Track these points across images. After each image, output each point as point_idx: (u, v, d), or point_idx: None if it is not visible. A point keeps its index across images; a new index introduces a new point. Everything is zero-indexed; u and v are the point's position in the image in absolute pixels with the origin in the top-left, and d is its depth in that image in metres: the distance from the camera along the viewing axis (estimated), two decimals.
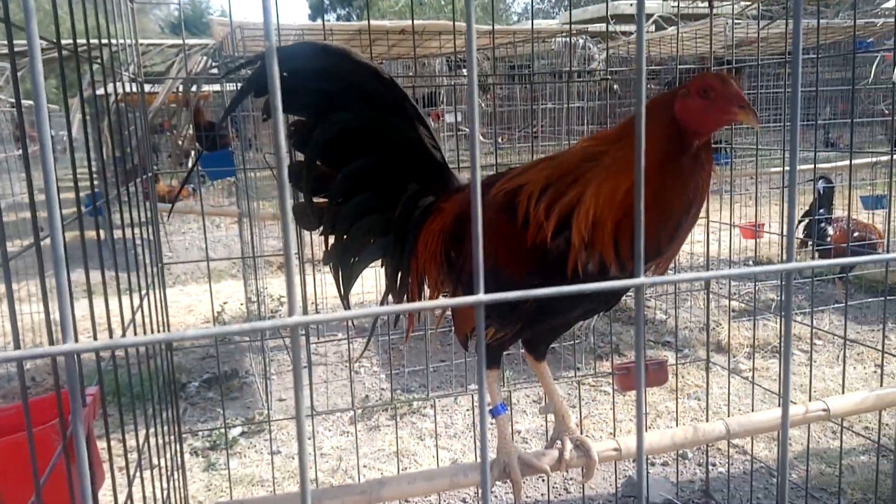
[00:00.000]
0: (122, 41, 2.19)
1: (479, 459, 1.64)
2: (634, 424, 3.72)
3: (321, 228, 1.72)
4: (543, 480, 3.15)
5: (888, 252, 5.73)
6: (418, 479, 1.49)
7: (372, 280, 2.63)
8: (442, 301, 0.62)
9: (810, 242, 5.51)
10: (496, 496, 3.12)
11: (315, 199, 1.70)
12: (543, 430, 3.57)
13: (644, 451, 0.64)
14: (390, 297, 1.75)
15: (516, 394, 4.02)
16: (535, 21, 3.52)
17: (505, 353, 1.70)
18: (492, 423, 1.57)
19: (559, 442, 1.61)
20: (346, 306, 1.79)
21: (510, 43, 4.61)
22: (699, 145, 1.31)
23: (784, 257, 0.71)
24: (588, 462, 1.57)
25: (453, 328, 1.67)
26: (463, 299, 0.63)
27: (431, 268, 1.63)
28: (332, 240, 1.73)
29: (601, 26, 7.70)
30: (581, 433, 1.65)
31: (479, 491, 3.12)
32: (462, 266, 1.53)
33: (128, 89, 2.32)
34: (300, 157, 1.69)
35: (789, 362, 0.71)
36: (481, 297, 0.63)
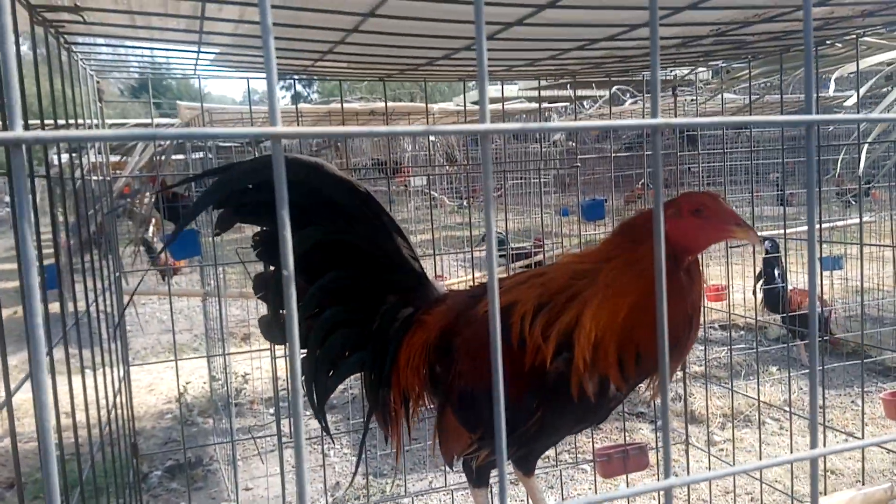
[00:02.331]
0: (87, 121, 2.15)
1: None
2: None
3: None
4: None
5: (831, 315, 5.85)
6: None
7: None
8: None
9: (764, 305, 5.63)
10: None
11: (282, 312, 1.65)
12: None
13: None
14: (372, 411, 1.69)
15: (493, 480, 3.92)
16: (496, 89, 3.58)
17: None
18: None
19: None
20: (323, 424, 1.72)
21: (476, 120, 4.67)
22: (690, 261, 1.31)
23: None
24: None
25: (437, 444, 1.60)
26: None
27: (415, 383, 1.58)
28: (303, 354, 1.67)
29: (561, 92, 7.90)
30: None
31: None
32: (451, 383, 1.48)
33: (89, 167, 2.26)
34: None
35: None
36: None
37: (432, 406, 1.63)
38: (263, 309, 1.70)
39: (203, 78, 2.22)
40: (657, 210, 0.60)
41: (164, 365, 6.37)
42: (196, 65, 2.11)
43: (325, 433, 1.71)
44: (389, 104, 3.61)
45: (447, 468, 3.17)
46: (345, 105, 3.44)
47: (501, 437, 0.57)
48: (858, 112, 2.05)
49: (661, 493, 0.60)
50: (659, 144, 0.63)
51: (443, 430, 1.59)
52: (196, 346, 6.85)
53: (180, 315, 8.14)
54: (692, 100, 4.35)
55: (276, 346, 2.17)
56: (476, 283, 1.85)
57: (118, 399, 2.06)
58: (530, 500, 1.69)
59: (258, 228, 1.60)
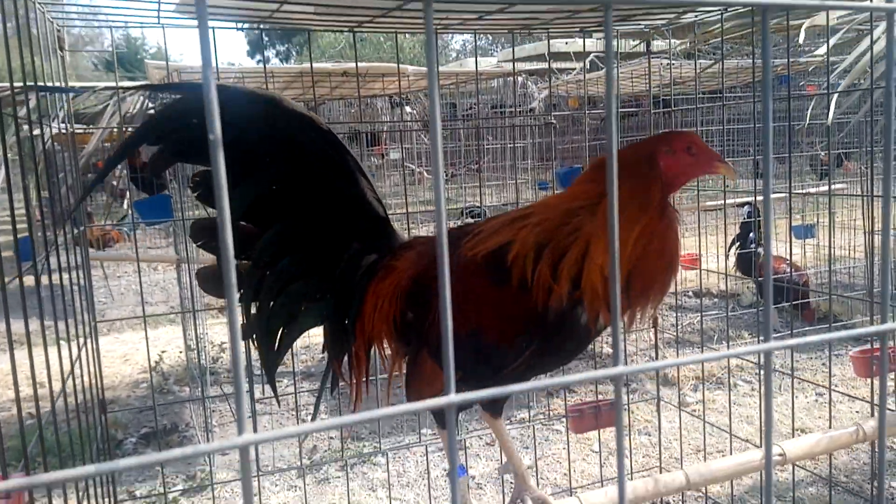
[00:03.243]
0: (52, 83, 2.09)
1: None
2: (589, 464, 3.68)
3: (240, 295, 1.57)
4: None
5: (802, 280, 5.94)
6: None
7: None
8: (411, 405, 0.57)
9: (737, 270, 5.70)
10: None
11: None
12: (498, 474, 3.50)
13: None
14: (333, 365, 1.67)
15: (469, 439, 3.95)
16: (473, 62, 3.54)
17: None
18: (446, 469, 1.51)
19: (520, 502, 1.56)
20: (273, 385, 1.68)
21: (453, 83, 4.63)
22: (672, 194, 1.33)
23: (760, 338, 0.68)
24: None
25: (406, 389, 1.59)
26: (433, 402, 0.58)
27: (382, 330, 1.56)
28: (253, 309, 1.58)
29: (539, 65, 7.86)
30: (535, 476, 1.60)
31: None
32: (428, 329, 1.46)
33: (58, 131, 2.21)
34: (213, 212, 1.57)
35: (770, 414, 0.69)
36: (452, 398, 0.58)
37: (392, 354, 1.61)
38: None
39: (167, 27, 2.16)
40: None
41: (139, 335, 6.32)
42: (158, 13, 2.06)
43: (270, 382, 1.66)
44: (363, 65, 3.56)
45: (420, 428, 3.18)
46: (316, 65, 3.39)
47: (450, 369, 0.56)
48: (828, 58, 2.05)
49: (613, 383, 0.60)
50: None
51: (416, 376, 1.56)
52: (172, 317, 6.79)
53: (156, 287, 8.06)
54: (667, 64, 4.35)
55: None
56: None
57: (83, 352, 2.03)
58: (498, 443, 1.70)
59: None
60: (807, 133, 7.88)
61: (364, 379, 1.68)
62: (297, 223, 1.55)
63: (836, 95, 2.10)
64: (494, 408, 1.61)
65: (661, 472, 3.10)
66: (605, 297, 1.26)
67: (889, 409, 2.48)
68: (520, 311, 1.31)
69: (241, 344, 0.50)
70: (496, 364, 1.36)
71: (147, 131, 1.48)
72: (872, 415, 2.22)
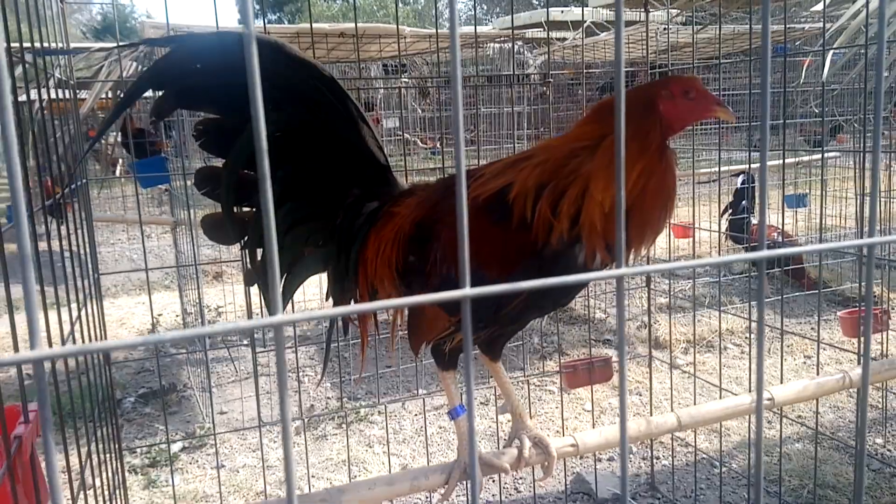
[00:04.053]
0: (50, 44, 2.09)
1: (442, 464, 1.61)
2: (581, 422, 3.76)
3: (244, 242, 1.60)
4: (494, 481, 3.15)
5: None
6: (379, 483, 1.47)
7: (314, 287, 2.59)
8: (429, 297, 0.61)
9: (728, 237, 5.76)
10: (452, 498, 3.10)
11: (236, 210, 1.56)
12: (493, 430, 3.58)
13: (627, 439, 0.64)
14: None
15: (464, 396, 4.01)
16: (470, 27, 3.55)
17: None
18: (441, 427, 1.56)
19: (517, 440, 1.61)
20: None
21: (449, 47, 4.62)
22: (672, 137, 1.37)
23: (761, 244, 0.72)
24: (547, 459, 1.57)
25: (408, 335, 1.64)
26: (448, 294, 0.61)
27: (385, 276, 1.59)
28: (258, 255, 1.60)
29: (536, 33, 7.82)
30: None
31: (432, 496, 3.10)
32: (430, 271, 1.50)
33: (55, 95, 2.21)
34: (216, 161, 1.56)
35: (762, 354, 0.73)
36: (467, 291, 0.62)
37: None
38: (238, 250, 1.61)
39: None
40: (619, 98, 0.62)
41: (135, 300, 6.35)
42: None
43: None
44: (360, 25, 3.55)
45: (417, 388, 3.24)
46: (314, 26, 3.38)
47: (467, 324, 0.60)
48: (825, 15, 2.07)
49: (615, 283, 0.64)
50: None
51: (418, 319, 1.60)
52: (167, 283, 6.82)
53: (150, 254, 8.06)
54: (664, 29, 4.35)
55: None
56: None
57: (83, 312, 2.06)
58: (497, 385, 1.75)
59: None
60: (802, 103, 7.90)
61: (369, 324, 1.72)
62: (299, 170, 1.57)
63: (831, 52, 2.13)
64: (493, 352, 1.66)
65: None
66: (603, 233, 1.30)
67: (873, 359, 2.55)
68: (520, 248, 1.35)
69: (273, 223, 0.54)
70: (495, 303, 1.40)
71: (152, 77, 1.49)
72: (859, 364, 2.29)
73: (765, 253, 0.71)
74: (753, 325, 4.87)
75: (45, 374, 0.51)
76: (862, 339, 3.08)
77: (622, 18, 0.61)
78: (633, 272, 0.68)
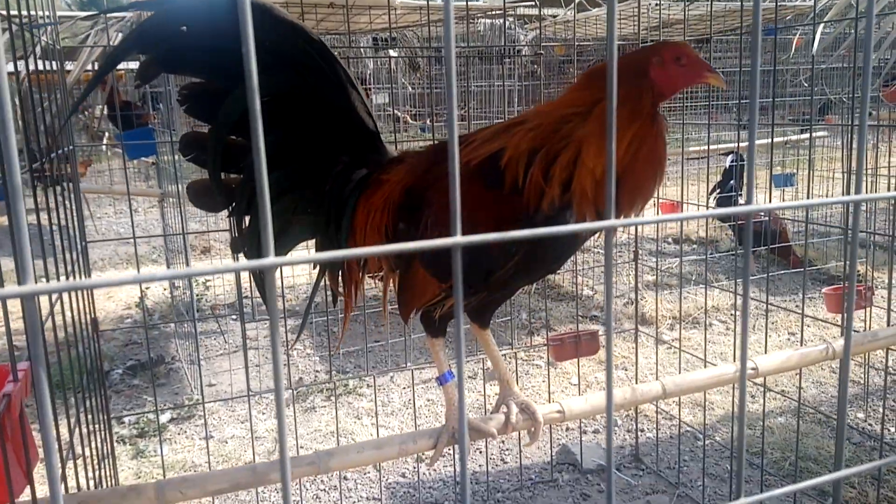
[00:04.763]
0: (36, 13, 2.06)
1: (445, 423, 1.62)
2: (567, 395, 3.79)
3: (231, 209, 1.58)
4: (481, 452, 3.19)
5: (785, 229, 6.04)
6: (367, 448, 1.48)
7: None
8: (420, 243, 0.61)
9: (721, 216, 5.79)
10: (442, 458, 3.14)
11: (223, 176, 1.53)
12: (480, 403, 3.61)
13: (613, 406, 0.65)
14: (325, 281, 1.70)
15: (453, 367, 4.04)
16: (461, 1, 3.52)
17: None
18: (429, 400, 1.57)
19: (505, 406, 1.63)
20: (265, 299, 1.71)
21: (440, 20, 4.58)
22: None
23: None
24: (534, 424, 1.59)
25: (397, 301, 1.64)
26: (439, 241, 0.61)
27: (374, 242, 1.59)
28: (245, 222, 1.58)
29: (527, 9, 7.77)
30: None
31: (417, 464, 3.14)
32: (421, 237, 1.50)
33: (41, 66, 2.18)
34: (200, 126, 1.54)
35: (747, 319, 0.74)
36: (458, 239, 0.62)
37: (384, 266, 1.65)
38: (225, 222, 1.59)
39: None
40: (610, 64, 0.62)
41: (122, 274, 6.32)
42: None
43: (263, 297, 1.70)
44: None
45: (407, 361, 3.26)
46: None
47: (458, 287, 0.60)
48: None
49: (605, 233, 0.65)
50: None
51: (408, 285, 1.60)
52: (155, 257, 6.80)
53: (137, 228, 7.99)
54: (656, 5, 4.34)
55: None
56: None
57: (75, 276, 2.05)
58: (486, 353, 1.76)
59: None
60: (791, 82, 7.91)
61: (356, 291, 1.72)
62: (287, 136, 1.55)
63: (821, 27, 2.13)
64: (482, 320, 1.67)
65: (636, 408, 3.23)
66: (594, 200, 1.31)
67: (855, 331, 2.59)
68: (511, 213, 1.35)
69: (264, 162, 0.54)
70: (486, 267, 1.41)
71: (134, 41, 1.46)
72: (842, 335, 2.32)
73: (752, 207, 0.72)
74: (739, 300, 4.92)
75: (36, 311, 0.51)
76: (842, 316, 3.11)
77: None
78: (621, 223, 0.69)
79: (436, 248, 0.62)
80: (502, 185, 1.36)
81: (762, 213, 5.56)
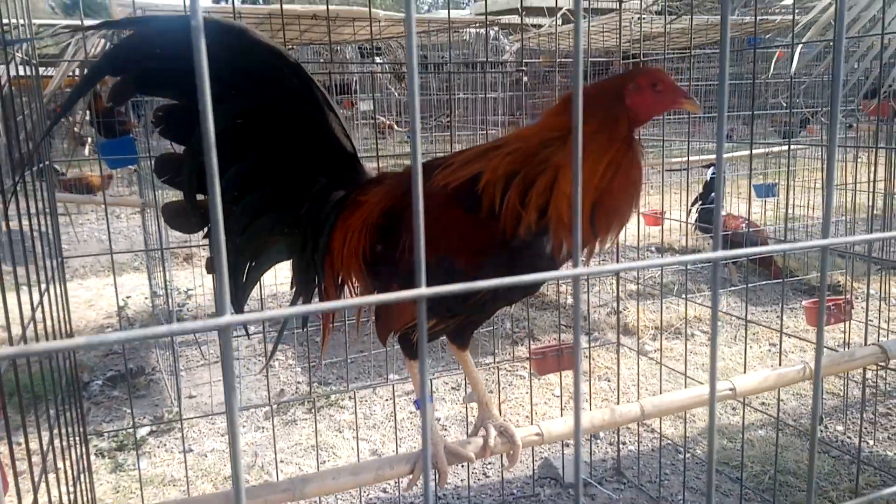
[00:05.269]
0: (12, 21, 2.03)
1: (411, 450, 1.62)
2: (550, 407, 3.80)
3: (207, 230, 1.56)
4: (463, 467, 3.18)
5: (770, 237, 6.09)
6: (343, 473, 1.47)
7: (285, 269, 2.58)
8: (382, 296, 0.60)
9: (697, 227, 5.85)
10: (417, 486, 3.12)
11: (199, 197, 1.52)
12: (462, 416, 3.60)
13: (581, 433, 0.65)
14: (300, 299, 1.69)
15: (435, 382, 4.03)
16: (445, 13, 3.52)
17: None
18: (412, 413, 1.57)
19: (483, 429, 1.62)
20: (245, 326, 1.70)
21: (425, 32, 4.59)
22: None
23: (714, 247, 0.73)
24: (512, 447, 1.59)
25: (375, 324, 1.63)
26: (403, 294, 0.61)
27: (352, 266, 1.58)
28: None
29: (512, 18, 7.80)
30: (502, 418, 1.67)
31: (398, 479, 3.12)
32: (399, 259, 1.49)
33: (19, 72, 2.16)
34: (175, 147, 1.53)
35: (715, 350, 0.74)
36: (423, 290, 0.62)
37: (361, 288, 1.65)
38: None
39: None
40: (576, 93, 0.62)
41: (103, 282, 6.26)
42: None
43: (247, 334, 1.68)
44: (333, 8, 3.50)
45: (387, 374, 3.24)
46: (286, 7, 3.33)
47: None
48: (794, 10, 2.10)
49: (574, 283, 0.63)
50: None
51: (386, 308, 1.59)
52: (136, 264, 6.74)
53: (119, 235, 7.95)
54: (638, 18, 4.37)
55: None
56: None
57: (45, 297, 2.02)
58: (465, 374, 1.75)
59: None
60: (772, 94, 7.99)
61: (333, 315, 1.71)
62: (264, 157, 1.54)
63: (799, 47, 2.15)
64: (461, 341, 1.66)
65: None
66: (571, 225, 1.31)
67: (832, 349, 2.61)
68: (488, 237, 1.35)
69: (222, 225, 0.53)
70: (464, 291, 1.40)
71: (109, 61, 1.45)
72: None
73: (720, 253, 0.72)
74: (720, 315, 4.95)
75: None
76: (826, 327, 3.14)
77: (581, 16, 0.60)
78: (589, 272, 0.68)
79: (400, 300, 0.61)
80: (480, 209, 1.36)
81: (744, 224, 5.61)
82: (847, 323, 3.39)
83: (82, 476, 2.37)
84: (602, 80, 1.42)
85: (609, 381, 4.08)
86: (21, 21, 2.23)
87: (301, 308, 0.57)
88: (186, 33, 1.46)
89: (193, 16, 0.49)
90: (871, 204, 4.26)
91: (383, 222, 1.54)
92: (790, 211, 6.60)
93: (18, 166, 1.99)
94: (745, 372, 3.00)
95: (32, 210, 1.91)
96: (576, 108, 0.62)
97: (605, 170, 1.31)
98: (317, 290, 1.70)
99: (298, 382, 4.21)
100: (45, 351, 0.49)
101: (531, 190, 1.33)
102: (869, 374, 3.40)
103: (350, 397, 3.81)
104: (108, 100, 1.42)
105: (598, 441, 3.51)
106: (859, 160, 5.87)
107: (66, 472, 2.01)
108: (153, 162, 1.55)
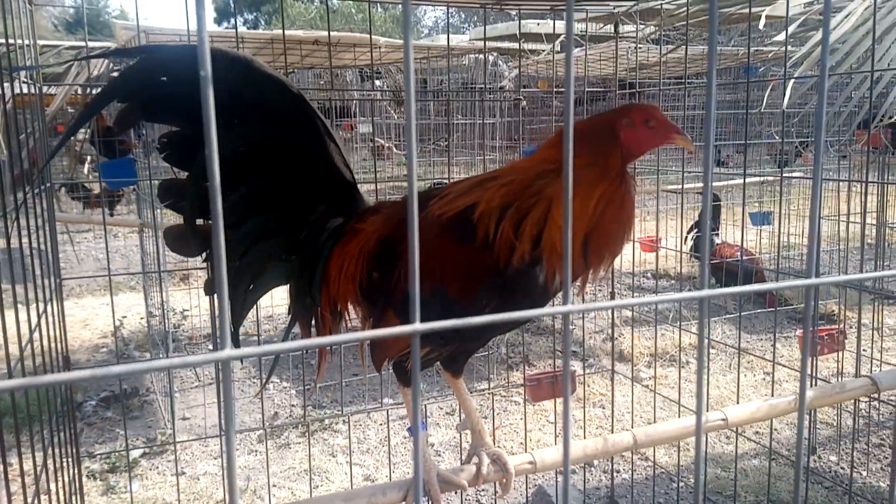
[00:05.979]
0: (17, 41, 2.07)
1: (404, 475, 1.62)
2: (544, 434, 3.79)
3: (207, 254, 1.60)
4: (456, 494, 3.17)
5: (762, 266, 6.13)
6: (335, 500, 1.47)
7: (282, 290, 2.59)
8: (377, 332, 0.62)
9: (692, 255, 5.88)
10: None
11: (199, 222, 1.55)
12: (456, 441, 3.59)
13: (569, 463, 0.66)
14: (297, 324, 1.71)
15: (430, 406, 4.03)
16: (445, 38, 3.57)
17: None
18: (406, 438, 1.57)
19: (476, 457, 1.63)
20: (236, 342, 1.71)
21: (424, 58, 4.65)
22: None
23: (700, 284, 0.75)
24: (505, 476, 1.59)
25: (370, 351, 1.65)
26: (398, 329, 0.63)
27: (349, 293, 1.60)
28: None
29: (511, 44, 7.89)
30: (495, 445, 1.68)
31: None
32: (394, 287, 1.51)
33: (23, 91, 2.19)
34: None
35: (702, 384, 0.76)
36: (417, 326, 0.64)
37: (357, 315, 1.66)
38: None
39: None
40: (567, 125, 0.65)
41: (99, 301, 6.26)
42: None
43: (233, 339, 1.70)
44: (335, 34, 3.55)
45: (382, 398, 3.25)
46: (288, 32, 3.38)
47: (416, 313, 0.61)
48: (787, 45, 2.14)
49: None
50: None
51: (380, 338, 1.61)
52: (133, 284, 6.74)
53: (116, 254, 7.95)
54: (635, 47, 4.43)
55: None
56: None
57: (43, 318, 2.03)
58: (459, 402, 1.76)
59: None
60: (767, 123, 8.07)
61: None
62: (265, 185, 1.57)
63: (791, 81, 2.19)
64: (455, 368, 1.67)
65: None
66: (564, 255, 1.33)
67: (824, 380, 2.62)
68: (482, 268, 1.37)
69: (223, 252, 0.55)
70: (449, 328, 1.42)
71: (115, 89, 1.48)
72: (813, 386, 2.35)
73: (706, 292, 0.74)
74: (714, 344, 4.96)
75: None
76: (820, 359, 3.14)
77: (572, 52, 0.63)
78: (577, 309, 0.70)
79: (395, 336, 0.63)
80: (474, 239, 1.38)
81: (738, 252, 5.64)
82: (840, 353, 3.40)
83: (74, 498, 2.36)
84: (596, 114, 1.45)
85: (604, 407, 4.08)
86: (26, 42, 2.26)
87: (298, 343, 0.58)
88: (192, 62, 1.50)
89: (202, 65, 0.51)
90: (863, 234, 4.30)
91: (380, 251, 1.56)
92: (785, 239, 6.64)
93: (20, 184, 2.01)
94: (738, 401, 3.01)
95: (33, 229, 1.93)
96: (567, 141, 0.65)
97: (597, 202, 1.33)
98: (312, 318, 1.72)
99: (293, 405, 4.20)
100: (48, 384, 0.51)
101: (525, 220, 1.35)
102: (862, 405, 3.40)
103: (344, 421, 3.81)
104: (114, 125, 1.44)
105: (592, 469, 3.50)
106: (853, 190, 5.93)
107: (57, 493, 2.00)
108: (157, 187, 1.57)
